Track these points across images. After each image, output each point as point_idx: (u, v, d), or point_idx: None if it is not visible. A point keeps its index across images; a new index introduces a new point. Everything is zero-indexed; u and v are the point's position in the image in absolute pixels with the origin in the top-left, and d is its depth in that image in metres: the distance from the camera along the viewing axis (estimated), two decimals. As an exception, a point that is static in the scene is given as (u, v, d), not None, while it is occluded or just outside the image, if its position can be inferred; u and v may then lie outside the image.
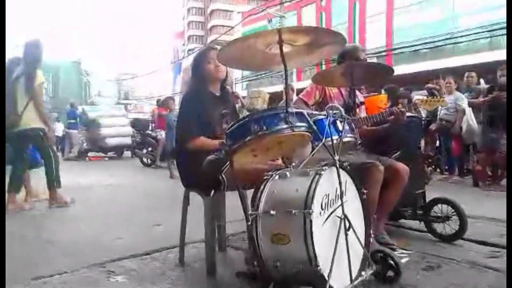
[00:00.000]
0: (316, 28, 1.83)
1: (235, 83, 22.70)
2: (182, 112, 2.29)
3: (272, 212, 1.62)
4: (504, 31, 12.71)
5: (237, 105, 7.47)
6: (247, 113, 2.55)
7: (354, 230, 1.67)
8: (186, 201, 2.25)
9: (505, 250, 2.43)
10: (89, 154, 12.08)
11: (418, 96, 5.24)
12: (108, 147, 11.93)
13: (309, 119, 1.73)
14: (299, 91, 3.13)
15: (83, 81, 27.21)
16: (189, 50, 48.83)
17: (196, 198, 2.17)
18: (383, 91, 5.68)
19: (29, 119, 3.92)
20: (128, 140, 12.08)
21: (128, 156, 12.51)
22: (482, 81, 5.92)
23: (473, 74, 6.39)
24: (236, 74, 22.19)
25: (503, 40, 13.38)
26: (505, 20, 12.60)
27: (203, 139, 2.12)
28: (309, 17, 20.67)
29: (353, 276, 1.63)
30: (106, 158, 12.24)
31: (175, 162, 2.80)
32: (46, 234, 3.03)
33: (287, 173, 1.76)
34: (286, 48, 1.74)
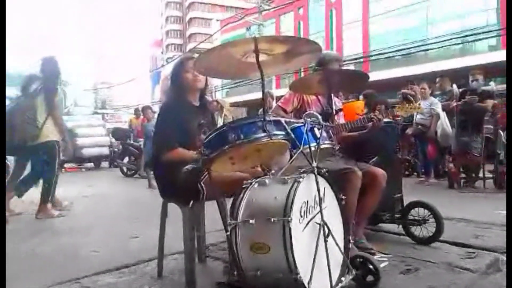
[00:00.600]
0: (292, 37, 1.86)
1: (215, 91, 22.68)
2: (160, 123, 2.26)
3: (251, 221, 1.62)
4: (475, 37, 13.27)
5: (217, 112, 7.46)
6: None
7: (333, 237, 1.68)
8: (164, 212, 2.22)
9: (480, 251, 2.50)
10: (65, 165, 11.75)
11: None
12: (85, 157, 11.63)
13: (286, 127, 1.74)
14: (279, 98, 3.16)
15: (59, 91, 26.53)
16: (168, 58, 48.59)
17: (174, 209, 2.14)
18: (361, 97, 5.78)
19: (48, 131, 4.16)
20: (106, 150, 11.83)
21: (106, 167, 12.26)
22: (455, 86, 6.10)
23: (444, 78, 6.54)
24: (216, 82, 22.17)
25: (474, 46, 13.92)
26: (475, 26, 13.22)
27: (181, 150, 2.10)
28: (287, 25, 20.96)
29: (333, 282, 1.63)
30: (83, 169, 11.96)
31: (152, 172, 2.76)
32: (19, 248, 2.91)
33: (266, 181, 1.76)
34: (262, 57, 1.75)
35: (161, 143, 2.18)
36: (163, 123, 2.21)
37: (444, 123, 5.75)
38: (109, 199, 5.62)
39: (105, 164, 12.41)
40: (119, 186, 7.76)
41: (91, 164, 12.28)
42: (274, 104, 5.70)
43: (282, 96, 2.80)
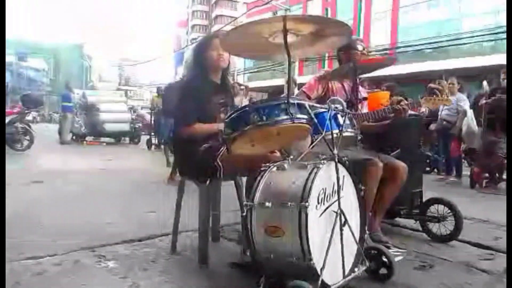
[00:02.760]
0: (321, 17, 1.80)
1: (237, 75, 22.60)
2: (180, 98, 2.25)
3: (267, 203, 1.60)
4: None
5: (239, 97, 7.42)
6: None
7: (349, 226, 1.65)
8: (181, 188, 2.23)
9: (498, 253, 2.42)
10: (87, 138, 12.01)
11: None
12: (106, 132, 11.85)
13: (310, 111, 1.70)
14: (301, 85, 3.10)
15: (84, 65, 26.99)
16: (192, 39, 48.50)
17: (192, 186, 2.14)
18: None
19: None
20: (126, 127, 12.02)
21: (126, 142, 12.47)
22: (485, 83, 5.87)
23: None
24: (238, 66, 22.09)
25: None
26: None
27: (199, 125, 2.09)
28: (314, 12, 20.53)
29: (346, 271, 1.62)
30: (104, 143, 12.19)
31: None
32: (37, 215, 2.99)
33: (285, 165, 1.74)
34: (290, 38, 1.70)
35: (180, 118, 2.18)
36: (184, 99, 2.21)
37: (471, 121, 5.58)
38: (128, 174, 5.69)
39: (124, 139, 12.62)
40: (137, 161, 7.85)
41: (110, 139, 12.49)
42: (296, 90, 5.65)
43: (305, 83, 2.74)
